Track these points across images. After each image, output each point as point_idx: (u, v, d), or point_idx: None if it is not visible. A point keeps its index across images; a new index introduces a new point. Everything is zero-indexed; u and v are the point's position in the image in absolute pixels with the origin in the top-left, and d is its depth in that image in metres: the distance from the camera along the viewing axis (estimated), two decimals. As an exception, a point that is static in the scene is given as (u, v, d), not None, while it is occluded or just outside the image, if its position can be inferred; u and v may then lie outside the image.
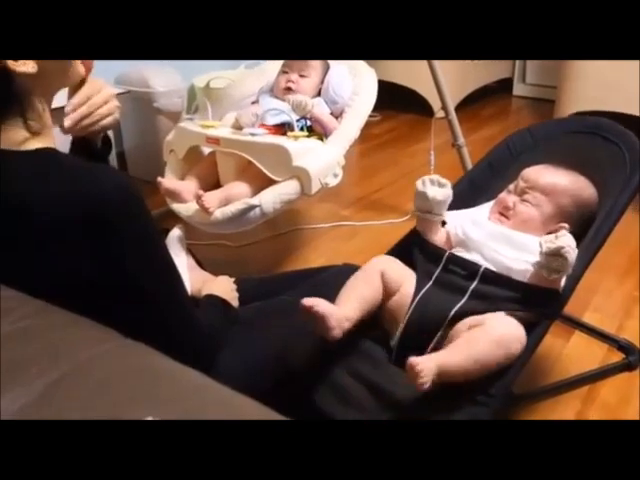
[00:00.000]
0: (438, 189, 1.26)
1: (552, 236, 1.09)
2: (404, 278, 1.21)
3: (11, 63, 0.80)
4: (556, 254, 1.07)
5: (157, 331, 0.76)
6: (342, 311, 1.09)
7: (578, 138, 1.45)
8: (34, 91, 0.85)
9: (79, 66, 0.93)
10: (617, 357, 1.53)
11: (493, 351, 1.05)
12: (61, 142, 0.89)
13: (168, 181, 1.65)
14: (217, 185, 1.68)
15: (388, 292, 1.19)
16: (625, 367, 1.50)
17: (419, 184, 1.27)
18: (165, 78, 2.43)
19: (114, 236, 0.82)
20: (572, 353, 1.56)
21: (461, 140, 2.25)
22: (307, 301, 1.05)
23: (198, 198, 1.51)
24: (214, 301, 1.19)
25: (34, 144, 0.85)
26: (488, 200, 1.40)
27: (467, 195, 1.44)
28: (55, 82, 0.90)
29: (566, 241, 1.07)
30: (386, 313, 1.20)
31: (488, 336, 1.06)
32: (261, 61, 2.12)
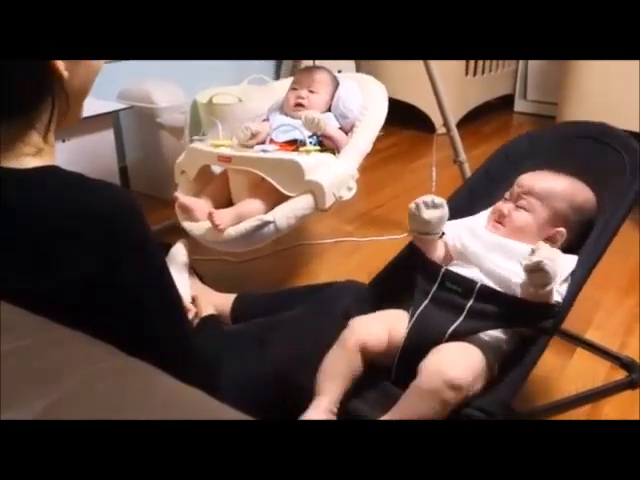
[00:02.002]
0: (434, 211, 1.22)
1: (530, 250, 1.07)
2: (390, 330, 1.16)
3: (59, 64, 0.82)
4: (535, 270, 1.05)
5: (155, 349, 0.76)
6: (326, 401, 1.10)
7: (577, 143, 1.43)
8: (54, 102, 0.86)
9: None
10: (620, 375, 1.52)
11: (426, 404, 1.03)
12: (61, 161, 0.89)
13: (183, 197, 1.64)
14: (230, 204, 1.67)
15: (377, 351, 1.15)
16: (628, 385, 1.49)
17: (413, 208, 1.23)
18: (168, 93, 2.44)
19: (114, 252, 0.82)
20: (574, 371, 1.55)
21: (462, 156, 2.25)
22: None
23: (209, 215, 1.50)
24: (210, 321, 1.19)
25: (34, 160, 0.85)
26: (488, 207, 1.38)
27: (466, 204, 1.42)
28: (71, 104, 0.89)
29: (543, 254, 1.04)
30: (381, 356, 1.16)
31: (417, 390, 1.05)
32: (263, 76, 2.13)
